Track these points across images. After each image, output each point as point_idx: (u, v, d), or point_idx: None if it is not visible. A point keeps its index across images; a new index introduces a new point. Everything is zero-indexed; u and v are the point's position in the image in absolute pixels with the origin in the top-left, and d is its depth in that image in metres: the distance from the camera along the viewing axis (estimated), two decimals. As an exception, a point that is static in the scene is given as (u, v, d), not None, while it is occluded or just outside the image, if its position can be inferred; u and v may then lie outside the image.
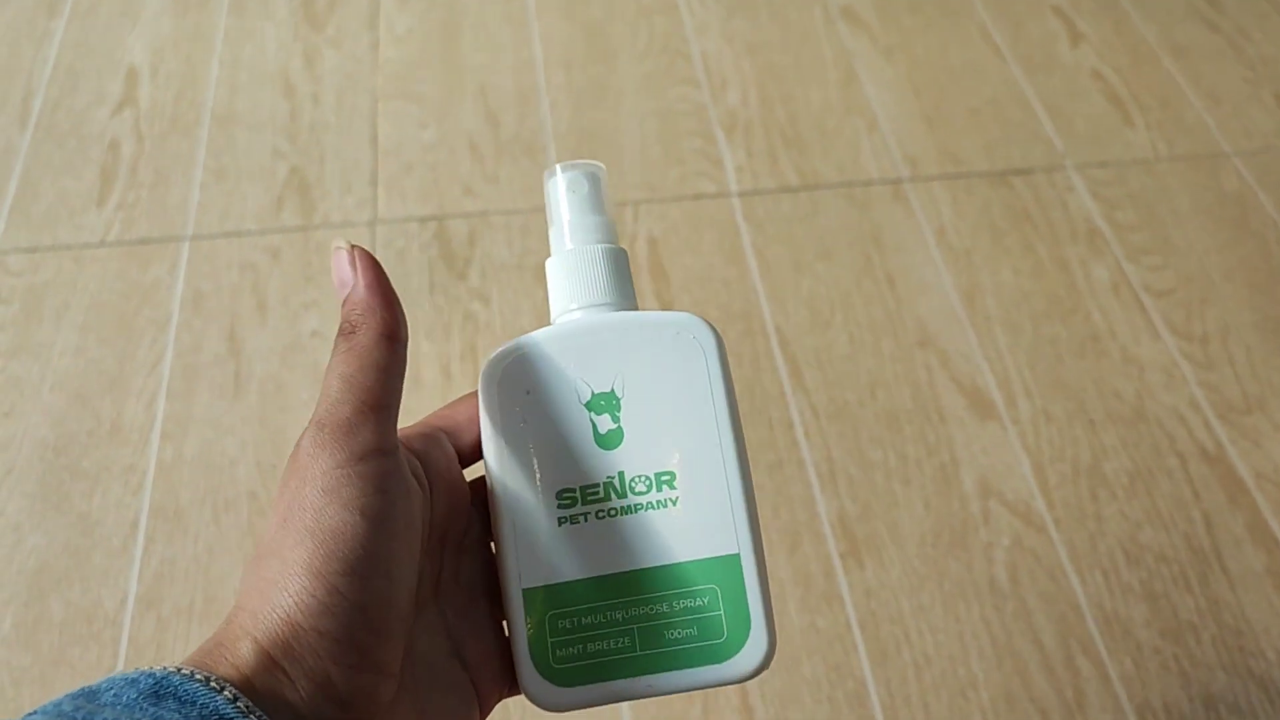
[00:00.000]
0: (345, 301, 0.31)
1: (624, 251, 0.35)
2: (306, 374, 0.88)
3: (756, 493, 0.80)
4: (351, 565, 0.27)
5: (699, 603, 0.32)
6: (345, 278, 0.31)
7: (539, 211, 0.98)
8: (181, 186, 1.01)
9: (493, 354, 0.33)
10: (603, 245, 0.34)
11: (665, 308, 0.92)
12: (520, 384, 0.33)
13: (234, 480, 0.82)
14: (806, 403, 0.87)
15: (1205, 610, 0.77)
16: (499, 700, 0.33)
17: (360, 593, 0.27)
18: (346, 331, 0.30)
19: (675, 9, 1.17)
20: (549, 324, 0.34)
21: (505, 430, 0.33)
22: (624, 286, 0.34)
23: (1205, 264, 0.96)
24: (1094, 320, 0.92)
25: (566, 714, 0.32)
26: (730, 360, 0.89)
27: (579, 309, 0.33)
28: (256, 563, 0.28)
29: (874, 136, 1.05)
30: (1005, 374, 0.88)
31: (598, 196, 0.35)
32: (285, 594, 0.27)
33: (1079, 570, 0.78)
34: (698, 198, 1.00)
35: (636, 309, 0.34)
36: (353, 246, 0.32)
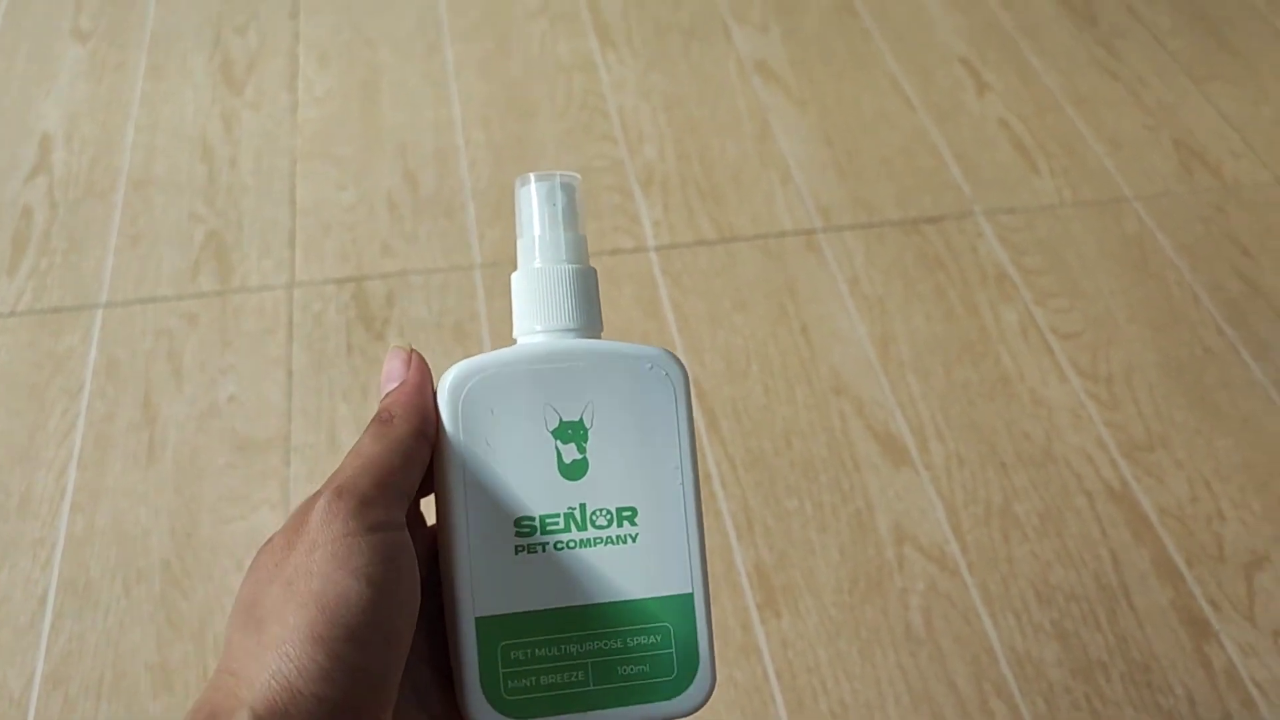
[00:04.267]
0: (388, 394, 0.32)
1: (594, 271, 0.34)
2: (223, 440, 0.88)
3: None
4: (355, 632, 0.28)
5: (653, 640, 0.32)
6: (394, 373, 0.33)
7: (458, 270, 0.99)
8: (96, 253, 1.00)
9: (457, 369, 0.32)
10: (573, 266, 0.33)
11: (584, 363, 0.93)
12: (485, 404, 0.32)
13: (146, 550, 0.81)
14: (723, 453, 0.88)
15: (1114, 647, 0.78)
16: None
17: (362, 660, 0.28)
18: (383, 419, 0.31)
19: (593, 66, 1.19)
20: (511, 343, 0.34)
21: (467, 451, 0.32)
22: (593, 312, 0.33)
23: (1110, 306, 0.99)
24: (1004, 363, 0.94)
25: None
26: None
27: (544, 332, 0.33)
28: (249, 624, 0.28)
29: (788, 188, 1.07)
30: (918, 419, 0.90)
31: (572, 211, 0.34)
32: (286, 660, 0.27)
33: (992, 613, 0.80)
34: (615, 253, 1.01)
35: (602, 335, 0.34)
36: (412, 350, 0.33)
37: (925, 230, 1.04)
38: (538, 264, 0.33)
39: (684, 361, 0.93)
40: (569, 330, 0.33)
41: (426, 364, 0.33)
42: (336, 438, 0.88)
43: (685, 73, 1.19)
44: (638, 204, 1.05)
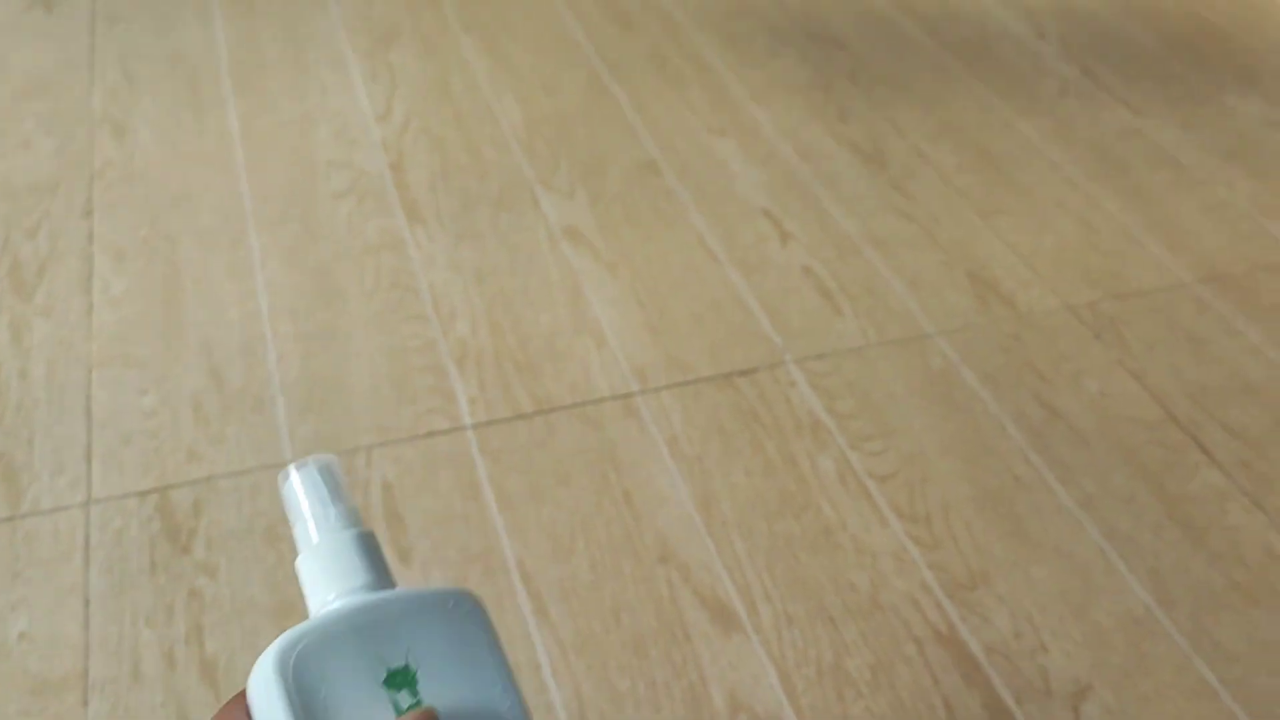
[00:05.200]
0: None
1: (372, 533, 0.37)
2: (14, 684, 0.81)
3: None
4: None
5: None
6: None
7: (269, 469, 0.96)
8: None
9: (279, 642, 0.33)
10: (352, 531, 0.36)
11: (403, 555, 0.90)
12: (315, 670, 0.33)
13: (-81, 826, 0.73)
14: (553, 638, 0.85)
15: (955, 800, 0.78)
16: None
17: None
18: None
19: (402, 244, 1.19)
20: (308, 618, 0.35)
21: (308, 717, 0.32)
22: (381, 567, 0.36)
23: (922, 443, 1.02)
24: (825, 513, 0.96)
25: None
26: (470, 606, 0.87)
27: (339, 597, 0.34)
28: None
29: (603, 353, 1.08)
30: (745, 581, 0.90)
31: (335, 486, 0.37)
32: None
33: (833, 778, 0.79)
34: (431, 435, 1.00)
35: (396, 586, 0.36)
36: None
37: (739, 383, 1.06)
38: (318, 540, 0.36)
39: (507, 544, 0.91)
40: (365, 588, 0.35)
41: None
42: (140, 668, 0.82)
43: (495, 244, 1.20)
44: (452, 382, 1.04)
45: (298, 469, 0.37)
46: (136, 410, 1.00)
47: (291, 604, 0.86)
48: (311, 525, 0.36)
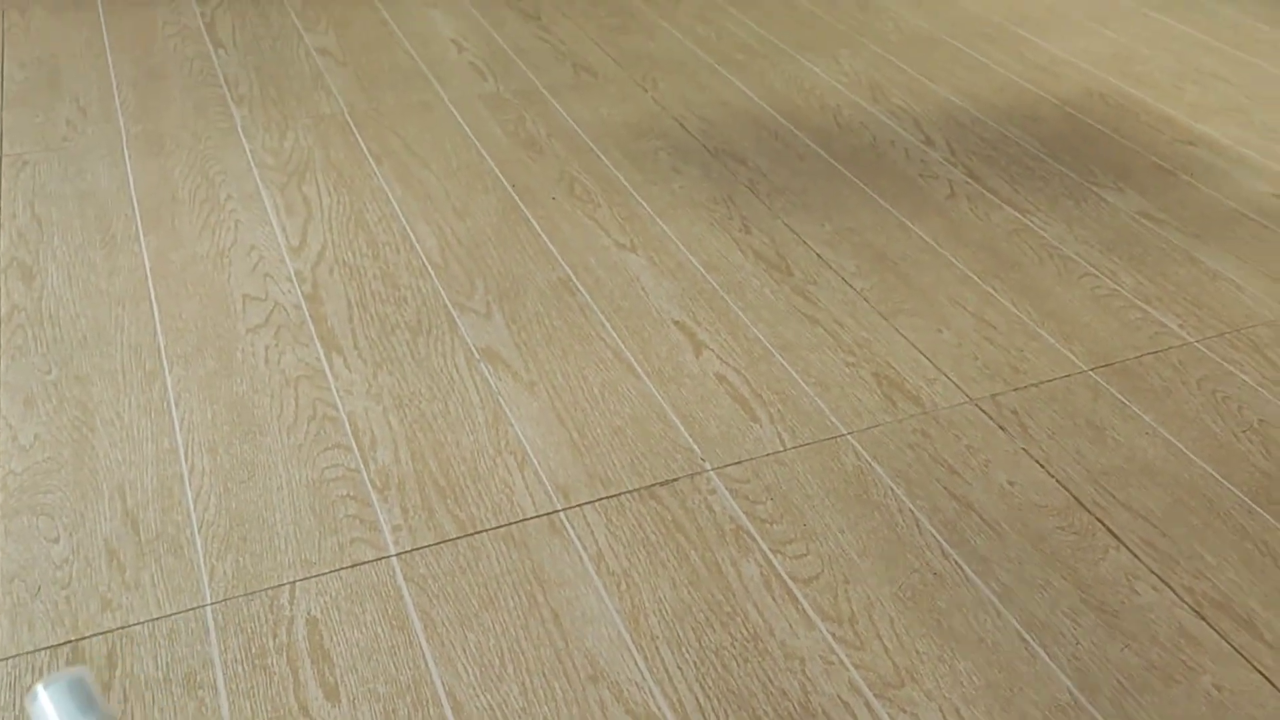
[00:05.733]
0: None
1: None
2: None
3: None
4: None
5: None
6: None
7: (188, 613, 0.94)
8: None
9: None
10: None
11: (329, 693, 0.89)
12: None
13: None
14: (487, 769, 0.84)
15: None
16: None
17: None
18: None
19: (321, 374, 1.19)
20: None
21: None
22: None
23: (842, 544, 1.04)
24: (753, 619, 0.97)
25: None
26: (401, 741, 0.86)
27: None
28: None
29: (526, 472, 1.09)
30: (677, 695, 0.90)
31: (87, 698, 0.36)
32: None
33: None
34: (356, 566, 0.99)
35: None
36: None
37: (661, 494, 1.08)
38: None
39: (436, 674, 0.90)
40: None
41: None
42: (54, 833, 0.79)
43: (414, 369, 1.21)
44: (376, 511, 1.04)
45: (47, 688, 0.37)
46: (47, 560, 0.98)
47: (215, 752, 0.84)
48: None
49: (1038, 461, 1.14)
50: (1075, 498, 1.10)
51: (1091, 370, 1.27)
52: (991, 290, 1.39)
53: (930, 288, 1.39)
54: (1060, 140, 1.76)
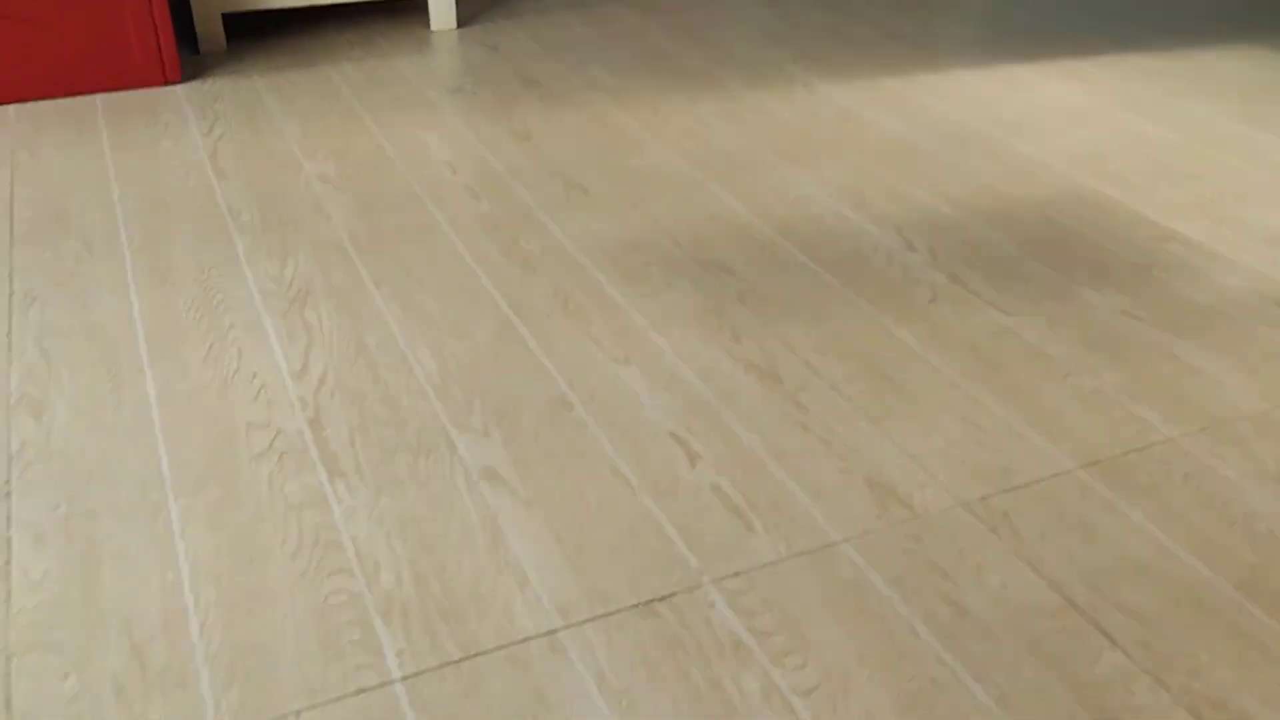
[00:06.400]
0: None
1: None
2: None
3: None
4: None
5: None
6: None
7: (195, 745, 0.95)
8: None
9: None
10: None
11: (337, 825, 0.89)
12: None
13: None
14: None
15: None
16: None
17: None
18: None
19: (324, 499, 1.22)
20: None
21: None
22: None
23: (840, 654, 1.05)
24: (754, 734, 0.97)
25: None
26: None
27: None
28: None
29: (526, 592, 1.11)
30: (681, 814, 0.91)
31: None
32: None
33: None
34: (360, 693, 1.00)
35: None
36: None
37: (659, 610, 1.09)
38: None
39: (441, 801, 0.91)
40: None
41: None
42: None
43: (415, 491, 1.23)
44: (379, 635, 1.06)
45: None
46: (58, 697, 0.99)
47: None
48: None
49: (1029, 563, 1.16)
50: (1068, 599, 1.11)
51: (1079, 468, 1.29)
52: (977, 393, 1.42)
53: (917, 392, 1.42)
54: (1039, 241, 1.82)
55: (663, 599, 1.11)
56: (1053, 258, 1.76)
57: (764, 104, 2.41)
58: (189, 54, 2.68)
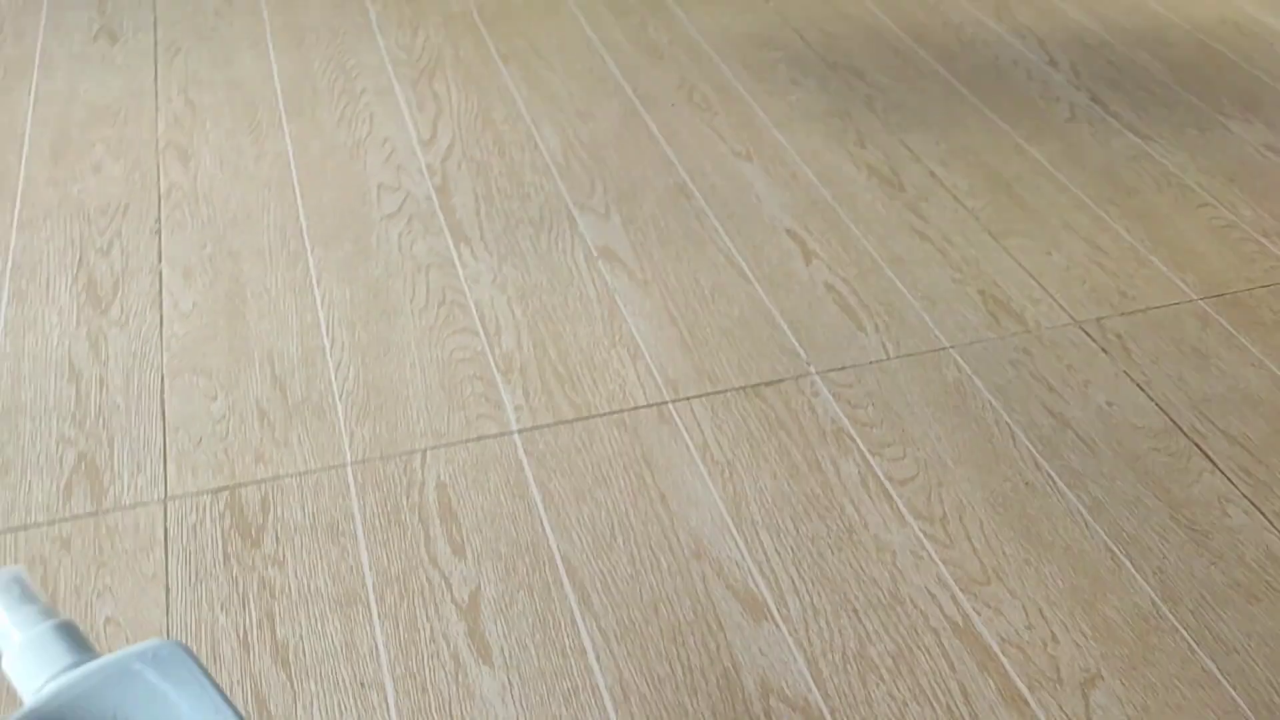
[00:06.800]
0: None
1: (72, 622, 0.38)
2: (100, 664, 0.88)
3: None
4: None
5: None
6: None
7: (331, 470, 1.03)
8: (-37, 485, 1.01)
9: None
10: (48, 623, 0.37)
11: (456, 549, 0.97)
12: None
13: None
14: (596, 626, 0.92)
15: (970, 776, 0.84)
16: None
17: None
18: None
19: (450, 263, 1.27)
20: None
21: None
22: (82, 646, 0.37)
23: (938, 450, 1.09)
24: (848, 513, 1.02)
25: None
26: (520, 593, 0.94)
27: (48, 681, 0.36)
28: None
29: (638, 364, 1.15)
30: (774, 575, 0.97)
31: (26, 590, 0.39)
32: None
33: (856, 755, 0.85)
34: (481, 439, 1.07)
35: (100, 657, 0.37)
36: None
37: (765, 393, 1.13)
38: (17, 637, 0.37)
39: (553, 539, 0.98)
40: (67, 669, 0.36)
41: None
42: (218, 651, 0.90)
43: (536, 263, 1.27)
44: (500, 391, 1.12)
45: None
46: (207, 415, 1.08)
47: (354, 593, 0.94)
48: (11, 627, 0.38)
49: (1138, 385, 1.16)
50: (1174, 422, 1.12)
51: (1201, 300, 1.27)
52: (1105, 215, 1.39)
53: (1043, 210, 1.40)
54: (1188, 66, 1.73)
55: (769, 384, 1.14)
56: (1201, 85, 1.68)
57: (910, -97, 2.28)
58: None
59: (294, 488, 1.02)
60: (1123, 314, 1.25)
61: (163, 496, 1.01)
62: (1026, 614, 0.95)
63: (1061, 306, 1.25)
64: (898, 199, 1.41)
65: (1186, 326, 1.24)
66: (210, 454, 1.05)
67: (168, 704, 0.36)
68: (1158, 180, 1.46)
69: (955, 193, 1.42)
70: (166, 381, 1.11)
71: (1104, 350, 1.20)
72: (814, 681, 0.89)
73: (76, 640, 0.37)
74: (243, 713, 0.37)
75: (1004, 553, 1.00)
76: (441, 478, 1.03)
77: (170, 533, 0.98)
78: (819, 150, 1.49)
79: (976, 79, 1.67)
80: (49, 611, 0.38)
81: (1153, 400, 1.14)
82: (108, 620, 0.91)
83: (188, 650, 0.37)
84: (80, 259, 1.25)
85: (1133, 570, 0.99)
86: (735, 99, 1.59)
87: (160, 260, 1.25)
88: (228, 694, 0.36)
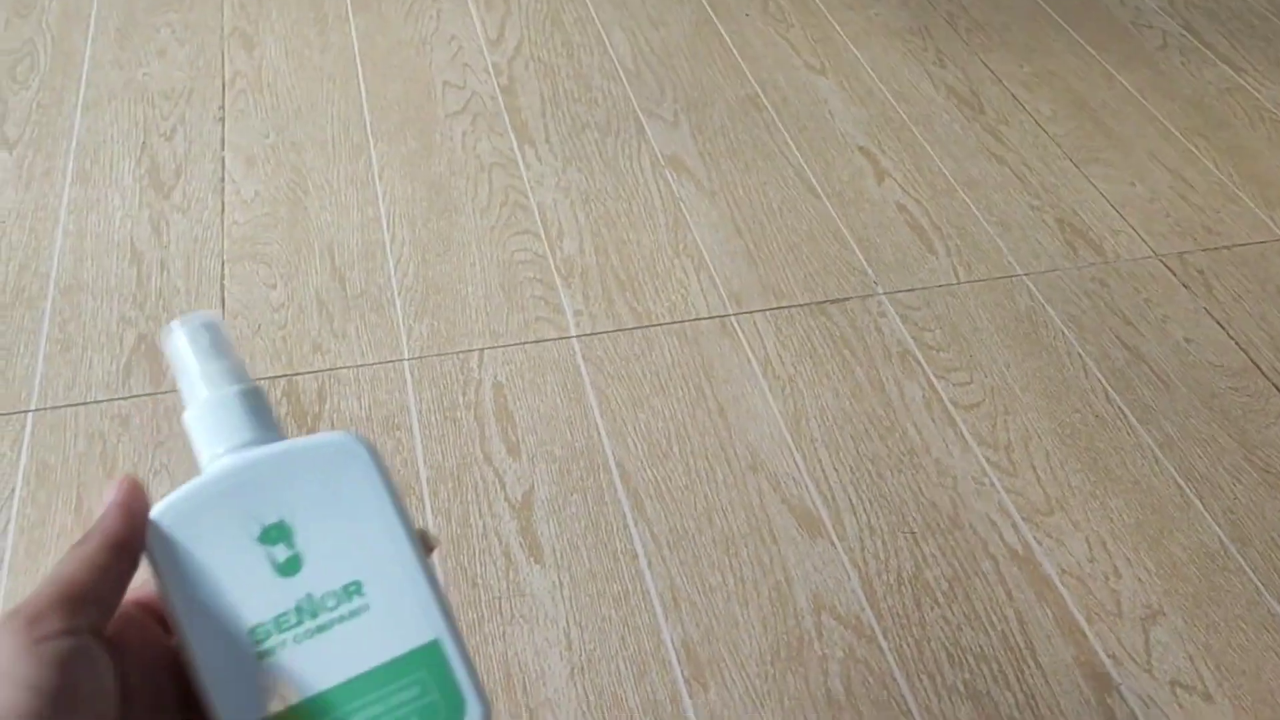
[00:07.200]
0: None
1: (259, 389, 0.36)
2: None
3: (613, 630, 0.85)
4: None
5: (412, 693, 0.33)
6: (106, 499, 0.33)
7: (388, 364, 1.02)
8: (25, 359, 1.02)
9: (156, 508, 0.33)
10: (237, 387, 0.35)
11: (511, 449, 0.96)
12: (190, 532, 0.33)
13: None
14: (649, 533, 0.91)
15: (1024, 704, 0.83)
16: None
17: None
18: (79, 540, 0.32)
19: (514, 164, 1.24)
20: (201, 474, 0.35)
21: (185, 583, 0.33)
22: (266, 421, 0.35)
23: (1006, 377, 1.06)
24: (910, 436, 1.00)
25: None
26: (574, 495, 0.93)
27: (226, 452, 0.34)
28: None
29: (701, 275, 1.13)
30: (831, 493, 0.95)
31: (220, 343, 0.36)
32: None
33: (908, 676, 0.84)
34: (539, 342, 1.05)
35: (282, 439, 0.35)
36: (126, 476, 0.34)
37: (831, 311, 1.10)
38: (204, 394, 0.35)
39: (608, 445, 0.97)
40: (248, 444, 0.34)
41: (136, 484, 0.34)
42: (270, 534, 0.90)
43: (601, 168, 1.24)
44: (559, 295, 1.10)
45: (183, 325, 0.36)
46: (266, 303, 1.07)
47: (408, 487, 0.93)
48: (199, 381, 0.35)
49: (1219, 322, 1.12)
50: (1254, 362, 1.08)
51: (1290, 239, 1.22)
52: (1194, 148, 1.33)
53: (1128, 139, 1.34)
54: (1292, -1, 1.64)
55: (835, 301, 1.12)
56: (1304, 19, 1.60)
57: None
58: None
59: (350, 379, 1.01)
60: (1206, 249, 1.20)
61: (221, 381, 1.01)
62: (1089, 546, 0.92)
63: (1142, 239, 1.21)
64: (976, 121, 1.36)
65: (1273, 266, 1.19)
66: (268, 342, 1.04)
67: (339, 505, 0.34)
68: (1250, 115, 1.40)
69: (1037, 117, 1.37)
70: (227, 268, 1.11)
71: (1185, 285, 1.16)
72: (867, 600, 0.88)
73: (262, 413, 0.35)
74: (420, 526, 0.34)
75: (1069, 484, 0.97)
76: (498, 378, 1.02)
77: (227, 416, 0.98)
78: (896, 67, 1.44)
79: (1065, 2, 1.60)
80: (237, 372, 0.35)
81: (1232, 339, 1.10)
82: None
83: (372, 452, 0.35)
84: (144, 143, 1.24)
85: (1202, 509, 0.96)
86: (811, 11, 1.54)
87: (223, 147, 1.24)
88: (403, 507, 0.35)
